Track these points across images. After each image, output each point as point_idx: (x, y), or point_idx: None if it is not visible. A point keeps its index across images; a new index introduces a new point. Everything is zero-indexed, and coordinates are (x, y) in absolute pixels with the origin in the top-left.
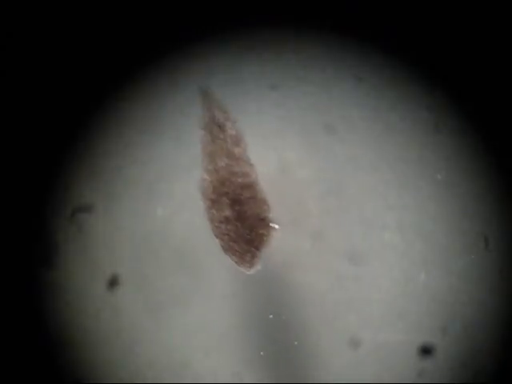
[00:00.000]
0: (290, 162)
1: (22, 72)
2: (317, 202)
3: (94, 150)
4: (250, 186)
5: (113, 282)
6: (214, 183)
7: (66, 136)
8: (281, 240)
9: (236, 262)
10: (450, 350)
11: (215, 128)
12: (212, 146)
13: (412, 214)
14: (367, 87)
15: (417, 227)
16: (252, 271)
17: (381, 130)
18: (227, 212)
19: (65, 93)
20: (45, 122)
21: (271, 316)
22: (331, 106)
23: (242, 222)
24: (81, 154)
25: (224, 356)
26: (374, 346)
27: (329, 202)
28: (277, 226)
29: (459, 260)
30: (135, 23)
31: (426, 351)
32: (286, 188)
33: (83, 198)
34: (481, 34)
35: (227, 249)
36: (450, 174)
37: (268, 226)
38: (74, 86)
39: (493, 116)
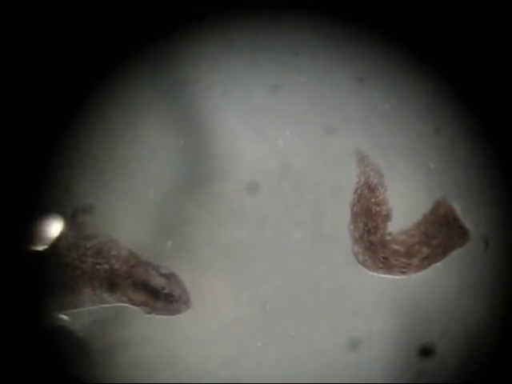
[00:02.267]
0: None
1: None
2: (311, 192)
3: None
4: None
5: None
6: (367, 253)
7: (61, 133)
8: None
9: None
10: (449, 350)
11: (366, 191)
12: (356, 206)
13: (404, 202)
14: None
15: (409, 216)
16: None
17: (374, 118)
18: (396, 270)
19: (60, 92)
20: (40, 119)
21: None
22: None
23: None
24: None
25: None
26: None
27: (323, 191)
28: None
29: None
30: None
31: (426, 351)
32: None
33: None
34: (481, 31)
35: None
36: (443, 163)
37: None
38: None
39: (492, 106)
